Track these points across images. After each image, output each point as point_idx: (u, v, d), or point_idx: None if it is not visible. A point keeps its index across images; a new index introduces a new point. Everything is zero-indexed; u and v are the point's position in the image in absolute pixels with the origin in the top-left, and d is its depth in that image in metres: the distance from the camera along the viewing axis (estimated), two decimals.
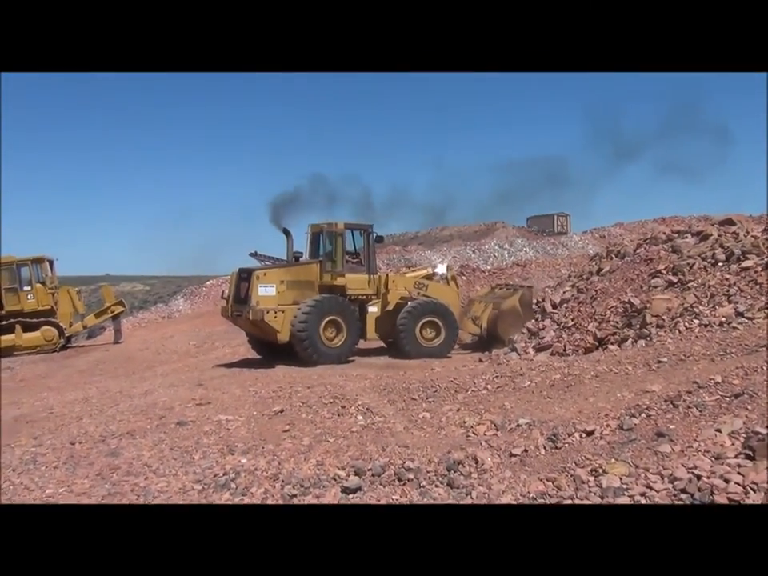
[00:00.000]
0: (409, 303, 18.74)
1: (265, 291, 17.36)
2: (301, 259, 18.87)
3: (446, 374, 12.42)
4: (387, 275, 19.53)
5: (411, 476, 7.18)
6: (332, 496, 6.86)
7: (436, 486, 7.00)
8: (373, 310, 18.65)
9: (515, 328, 17.89)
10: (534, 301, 19.45)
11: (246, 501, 6.83)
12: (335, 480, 7.27)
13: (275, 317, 17.07)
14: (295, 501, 6.79)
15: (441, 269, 21.60)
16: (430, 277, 20.58)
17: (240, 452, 8.38)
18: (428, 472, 7.24)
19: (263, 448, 8.53)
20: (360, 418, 9.70)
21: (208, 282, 48.06)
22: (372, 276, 18.81)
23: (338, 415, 9.90)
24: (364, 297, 18.79)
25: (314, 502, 6.72)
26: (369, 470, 7.40)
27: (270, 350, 18.19)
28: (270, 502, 6.78)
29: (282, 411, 10.23)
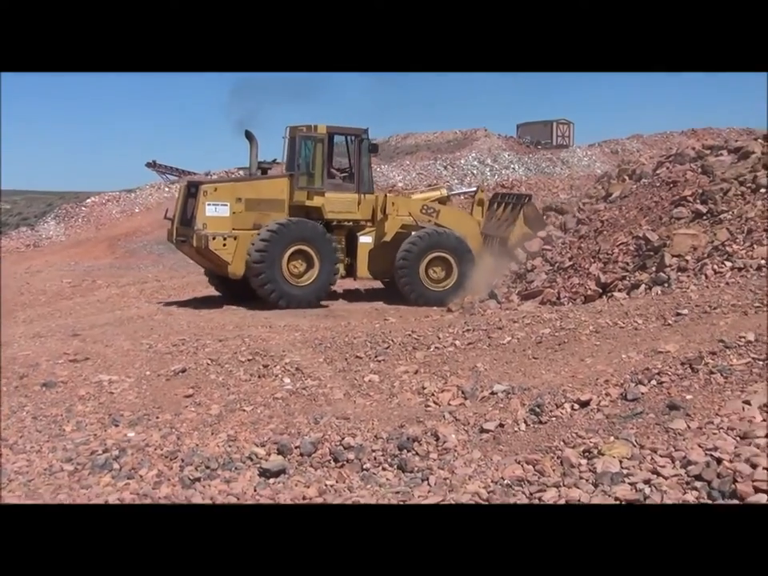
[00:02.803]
0: (413, 233, 18.83)
1: (214, 211, 17.47)
2: (271, 171, 18.83)
3: (403, 325, 12.54)
4: (386, 196, 19.65)
5: (351, 456, 7.28)
6: (246, 480, 6.94)
7: (383, 468, 7.11)
8: (366, 240, 18.89)
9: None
10: (541, 209, 19.71)
11: (133, 485, 6.88)
12: (251, 460, 7.34)
13: (224, 244, 17.24)
14: (198, 486, 6.85)
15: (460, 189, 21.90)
16: (444, 200, 20.65)
17: (126, 423, 8.40)
18: (373, 451, 7.34)
19: (157, 418, 8.56)
20: (287, 380, 9.76)
21: (89, 200, 47.34)
22: (363, 196, 18.87)
23: (258, 377, 9.95)
24: (350, 222, 18.92)
25: (223, 487, 6.79)
26: (296, 447, 7.49)
27: (232, 288, 18.34)
28: (164, 486, 6.83)
29: (183, 371, 10.24)
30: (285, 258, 17.42)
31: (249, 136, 19.00)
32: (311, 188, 18.30)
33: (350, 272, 19.09)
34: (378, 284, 20.20)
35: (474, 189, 22.02)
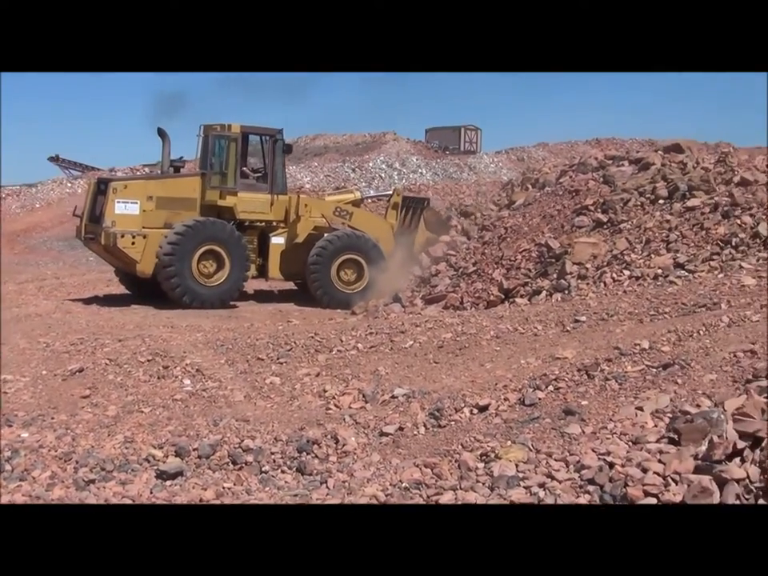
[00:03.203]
0: (325, 235, 18.80)
1: (124, 208, 17.20)
2: (183, 170, 18.59)
3: (306, 327, 12.54)
4: (299, 198, 19.54)
5: (250, 458, 7.25)
6: (142, 482, 6.85)
7: (282, 471, 7.10)
8: (278, 241, 18.77)
9: None
10: (443, 211, 19.93)
11: (26, 486, 6.73)
12: (148, 462, 7.26)
13: (133, 242, 16.97)
14: (92, 487, 6.74)
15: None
16: (357, 203, 20.69)
17: (20, 423, 8.23)
18: (272, 453, 7.33)
19: (53, 419, 8.40)
20: (187, 382, 9.68)
21: None
22: (276, 197, 18.75)
23: (158, 378, 9.85)
24: (262, 223, 18.82)
25: (118, 489, 6.70)
26: (194, 449, 7.42)
27: (142, 287, 18.09)
28: (58, 488, 6.70)
29: (81, 371, 10.08)
30: (195, 258, 17.24)
31: (161, 133, 18.77)
32: (224, 187, 18.15)
33: (262, 273, 18.98)
34: (290, 285, 20.14)
35: (389, 192, 22.07)
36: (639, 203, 15.07)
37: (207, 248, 17.39)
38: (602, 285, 12.69)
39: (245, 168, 19.05)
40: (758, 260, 12.04)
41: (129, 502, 6.48)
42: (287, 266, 18.91)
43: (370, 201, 21.63)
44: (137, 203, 17.25)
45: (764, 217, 13.12)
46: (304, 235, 18.90)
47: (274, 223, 19.01)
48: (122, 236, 16.89)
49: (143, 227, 17.22)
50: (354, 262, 18.95)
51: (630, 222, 14.51)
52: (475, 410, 7.83)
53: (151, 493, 6.69)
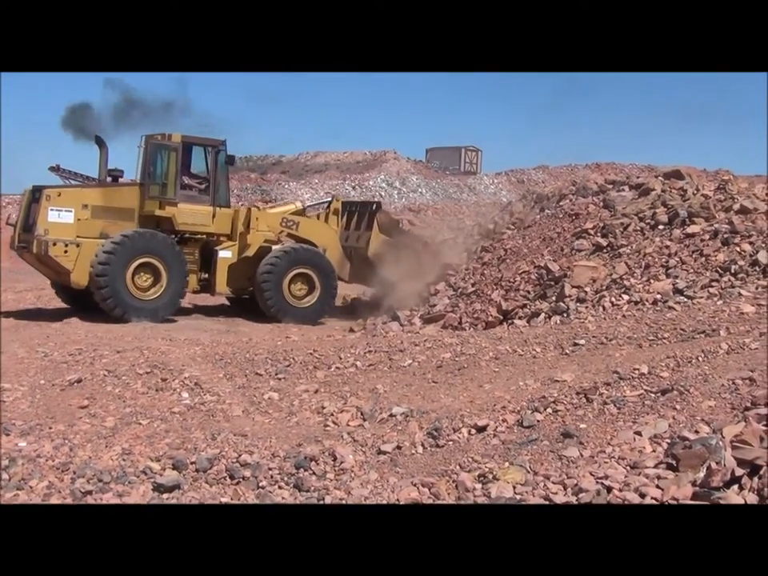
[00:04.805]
0: (274, 249, 18.74)
1: (57, 217, 16.83)
2: (122, 179, 18.44)
3: (305, 344, 12.52)
4: (250, 210, 19.43)
5: (248, 473, 7.23)
6: (139, 495, 6.83)
7: (279, 487, 7.08)
8: (226, 255, 18.53)
9: (397, 266, 18.40)
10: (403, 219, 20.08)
11: (23, 496, 6.72)
12: (145, 474, 7.23)
13: (66, 251, 16.58)
14: (89, 498, 6.72)
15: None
16: (299, 213, 20.54)
17: (18, 432, 8.20)
18: (270, 469, 7.31)
19: (50, 429, 8.38)
20: (185, 395, 9.66)
21: None
22: (218, 209, 18.55)
23: (156, 390, 9.83)
24: (203, 235, 18.62)
25: (115, 500, 6.68)
26: (192, 463, 7.40)
27: (80, 300, 17.77)
28: (54, 498, 6.69)
29: (79, 381, 10.05)
30: (129, 271, 16.87)
31: (99, 141, 18.41)
32: (163, 198, 17.82)
33: (206, 287, 18.72)
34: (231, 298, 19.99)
35: (328, 200, 21.90)
36: (639, 228, 15.13)
37: (143, 260, 17.04)
38: (601, 309, 12.70)
39: (187, 179, 18.65)
40: (757, 288, 12.06)
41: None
42: (235, 280, 18.68)
43: (311, 210, 21.29)
44: (71, 211, 16.88)
45: (763, 245, 13.15)
46: (255, 248, 18.73)
47: (218, 236, 18.72)
48: (54, 244, 16.49)
49: (77, 236, 16.81)
50: (305, 275, 18.84)
51: (629, 247, 14.55)
52: (473, 431, 7.83)
53: None
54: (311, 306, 18.74)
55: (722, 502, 5.45)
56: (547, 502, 6.10)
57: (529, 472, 6.69)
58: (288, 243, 19.19)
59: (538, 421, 7.80)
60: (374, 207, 21.20)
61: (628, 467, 6.46)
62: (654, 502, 5.76)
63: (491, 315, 14.29)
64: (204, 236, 18.67)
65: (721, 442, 6.17)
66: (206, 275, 18.79)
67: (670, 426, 7.11)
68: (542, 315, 13.44)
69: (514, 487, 6.44)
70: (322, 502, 6.50)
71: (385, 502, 6.55)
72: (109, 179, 18.59)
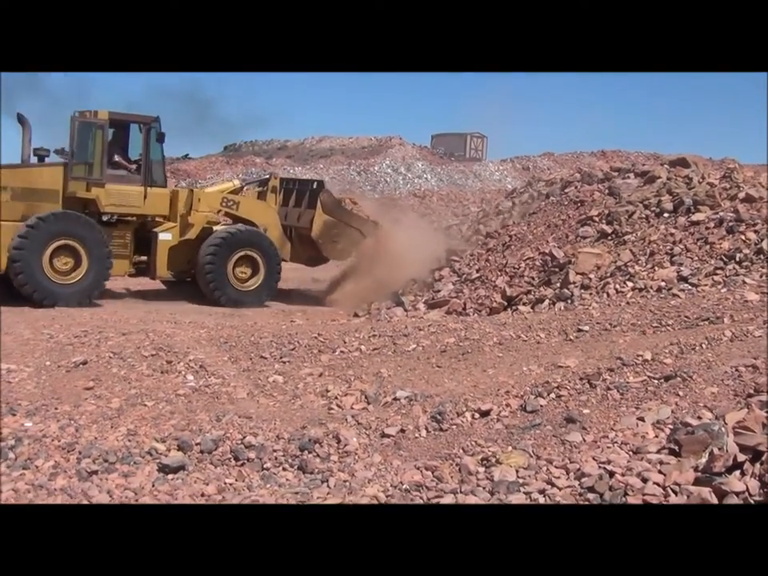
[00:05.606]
0: (217, 230, 18.41)
1: None
2: (48, 159, 17.71)
3: (309, 328, 12.55)
4: (192, 191, 19.01)
5: (252, 455, 7.27)
6: (144, 475, 6.87)
7: (284, 469, 7.12)
8: (166, 237, 18.08)
9: (343, 245, 18.65)
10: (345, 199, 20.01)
11: (29, 475, 6.76)
12: (151, 455, 7.27)
13: None
14: (95, 478, 6.77)
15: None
16: (237, 191, 20.20)
17: (24, 413, 8.24)
18: (275, 451, 7.34)
19: (56, 409, 8.40)
20: (190, 377, 9.69)
21: None
22: (151, 190, 17.90)
23: (161, 372, 9.85)
24: (134, 217, 18.12)
25: (121, 481, 6.73)
26: (197, 444, 7.43)
27: (7, 284, 16.90)
28: (60, 477, 6.73)
29: (85, 363, 10.08)
30: (46, 254, 16.27)
31: (21, 119, 17.61)
32: (89, 179, 17.23)
33: (145, 271, 18.30)
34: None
35: (265, 177, 21.50)
36: (644, 216, 15.13)
37: (61, 243, 16.43)
38: (605, 295, 12.72)
39: (120, 158, 18.07)
40: (761, 276, 12.06)
41: (131, 494, 6.52)
42: (176, 263, 18.21)
43: (248, 188, 20.81)
44: None
45: None
46: (197, 231, 18.26)
47: (152, 218, 18.24)
48: None
49: None
50: (249, 258, 18.45)
51: (634, 234, 14.56)
52: (477, 415, 7.86)
53: (153, 486, 6.72)
54: (255, 288, 18.41)
55: (723, 487, 5.49)
56: (548, 485, 6.14)
57: (532, 456, 6.72)
58: (228, 224, 18.81)
59: (542, 406, 7.82)
60: (314, 186, 20.70)
61: (631, 452, 6.48)
62: (656, 486, 5.79)
63: (495, 301, 14.32)
64: (135, 218, 18.14)
65: (723, 428, 6.21)
66: (143, 258, 18.38)
67: (672, 411, 7.13)
68: (547, 301, 13.47)
69: (517, 471, 6.46)
70: (315, 503, 6.48)
71: (388, 484, 6.58)
72: (34, 159, 17.81)
